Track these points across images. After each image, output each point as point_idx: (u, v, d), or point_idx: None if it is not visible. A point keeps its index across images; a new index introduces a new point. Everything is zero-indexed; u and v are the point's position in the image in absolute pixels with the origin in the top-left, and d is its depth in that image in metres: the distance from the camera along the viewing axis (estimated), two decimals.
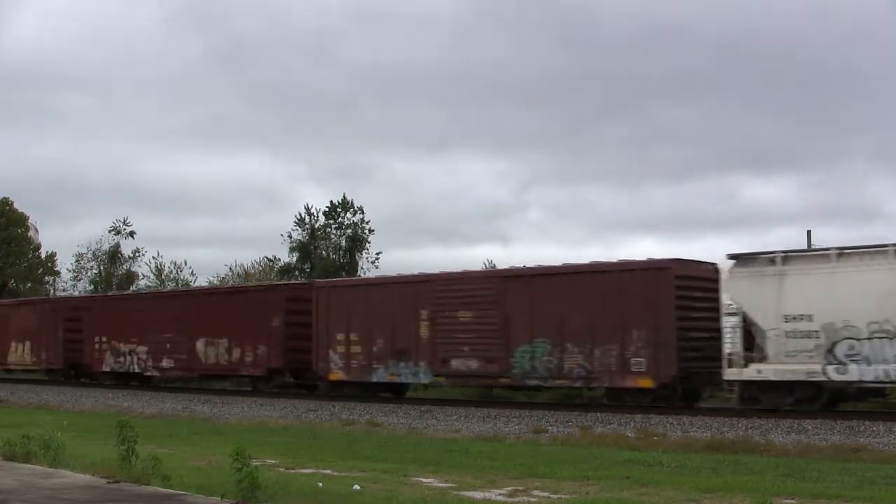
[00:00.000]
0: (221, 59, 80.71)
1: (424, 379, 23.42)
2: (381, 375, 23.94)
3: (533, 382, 21.39)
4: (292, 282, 28.51)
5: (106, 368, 31.75)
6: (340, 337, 24.67)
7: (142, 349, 30.41)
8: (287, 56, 79.83)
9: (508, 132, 75.93)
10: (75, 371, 33.88)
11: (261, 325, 26.64)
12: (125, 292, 40.37)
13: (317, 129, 79.32)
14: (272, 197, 73.60)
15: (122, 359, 30.98)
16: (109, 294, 39.80)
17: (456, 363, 22.44)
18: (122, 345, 31.12)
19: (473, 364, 22.17)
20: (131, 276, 50.15)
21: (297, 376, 26.83)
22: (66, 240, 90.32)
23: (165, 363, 29.69)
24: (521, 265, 23.88)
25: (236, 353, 27.40)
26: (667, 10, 66.07)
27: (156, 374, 30.59)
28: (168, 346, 29.43)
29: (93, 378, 32.81)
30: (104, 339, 31.67)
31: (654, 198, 67.26)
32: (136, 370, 30.67)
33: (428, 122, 76.91)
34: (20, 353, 35.60)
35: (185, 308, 29.72)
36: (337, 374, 24.79)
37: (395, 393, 24.97)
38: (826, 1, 63.97)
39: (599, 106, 73.42)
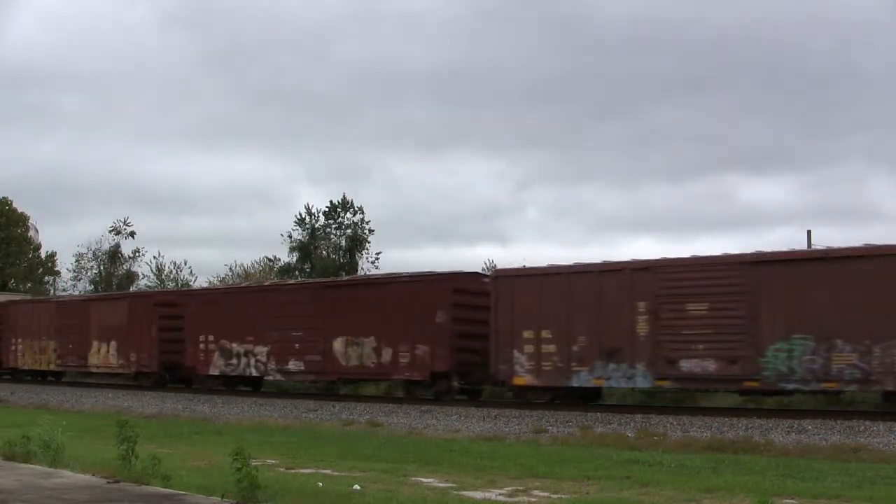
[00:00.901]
0: (217, 60, 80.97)
1: (643, 383, 20.07)
2: (583, 379, 20.58)
3: (791, 386, 18.29)
4: (458, 270, 24.32)
5: (214, 372, 27.66)
6: (528, 335, 21.20)
7: (261, 350, 26.32)
8: (283, 57, 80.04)
9: (505, 132, 76.14)
10: (172, 375, 30.07)
11: (420, 321, 22.80)
12: (239, 284, 33.79)
13: (313, 129, 79.54)
14: (269, 197, 73.78)
15: (234, 361, 26.92)
16: (218, 286, 35.44)
17: (687, 364, 19.25)
18: (234, 345, 27.02)
19: (710, 365, 19.03)
20: (131, 276, 50.14)
21: (466, 380, 23.29)
22: (63, 240, 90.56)
23: (293, 365, 25.53)
24: (778, 249, 20.07)
25: (387, 355, 23.44)
26: (664, 10, 66.12)
27: (279, 377, 26.71)
28: (297, 346, 25.37)
29: (195, 383, 29.17)
30: (210, 338, 27.63)
31: (653, 198, 67.40)
32: (254, 374, 26.80)
33: (424, 122, 77.13)
34: (104, 355, 31.26)
35: (318, 302, 25.29)
36: (524, 379, 21.37)
37: (588, 399, 21.90)
38: (823, 1, 64.07)
39: (597, 106, 73.63)
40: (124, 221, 50.06)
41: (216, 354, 27.58)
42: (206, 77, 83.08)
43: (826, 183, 65.24)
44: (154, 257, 49.72)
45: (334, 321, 24.55)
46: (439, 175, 74.59)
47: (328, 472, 12.37)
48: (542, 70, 71.98)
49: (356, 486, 10.58)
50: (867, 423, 16.46)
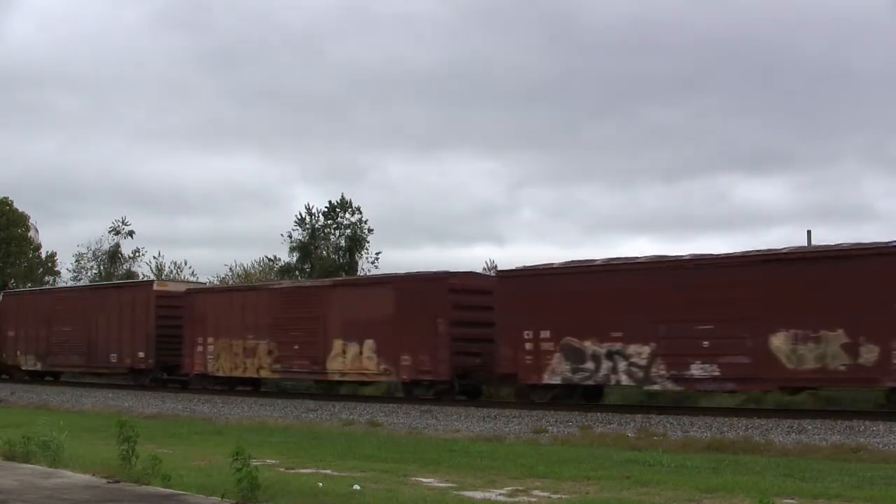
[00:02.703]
0: (212, 61, 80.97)
1: None
2: None
3: None
4: None
5: (552, 379, 20.72)
6: None
7: (638, 350, 19.69)
8: (276, 57, 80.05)
9: (500, 132, 76.10)
10: (471, 383, 23.59)
11: None
12: (574, 261, 22.39)
13: (308, 130, 79.66)
14: (265, 198, 73.79)
15: (588, 365, 20.17)
16: (539, 266, 22.60)
17: None
18: (588, 343, 20.20)
19: None
20: (131, 276, 50.12)
21: None
22: (61, 240, 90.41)
23: (699, 370, 18.94)
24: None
25: (870, 354, 17.02)
26: (658, 9, 66.11)
27: (671, 387, 19.79)
28: (705, 344, 18.77)
29: (517, 395, 22.38)
30: (545, 334, 20.77)
31: (647, 198, 67.41)
32: (624, 381, 20.07)
33: (419, 122, 77.14)
34: (353, 358, 24.22)
35: (749, 284, 18.45)
36: None
37: None
38: (818, 0, 64.09)
39: (592, 106, 73.58)
40: (123, 221, 50.13)
41: (556, 357, 20.53)
42: (201, 77, 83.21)
43: (822, 183, 65.31)
44: (154, 257, 49.79)
45: (772, 309, 18.04)
46: (435, 175, 74.67)
47: (328, 472, 12.37)
48: (537, 70, 72.04)
49: (356, 486, 10.58)
50: (867, 423, 16.45)
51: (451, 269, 23.96)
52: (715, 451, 14.74)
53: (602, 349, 19.96)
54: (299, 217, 44.15)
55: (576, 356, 20.27)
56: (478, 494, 10.35)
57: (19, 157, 76.61)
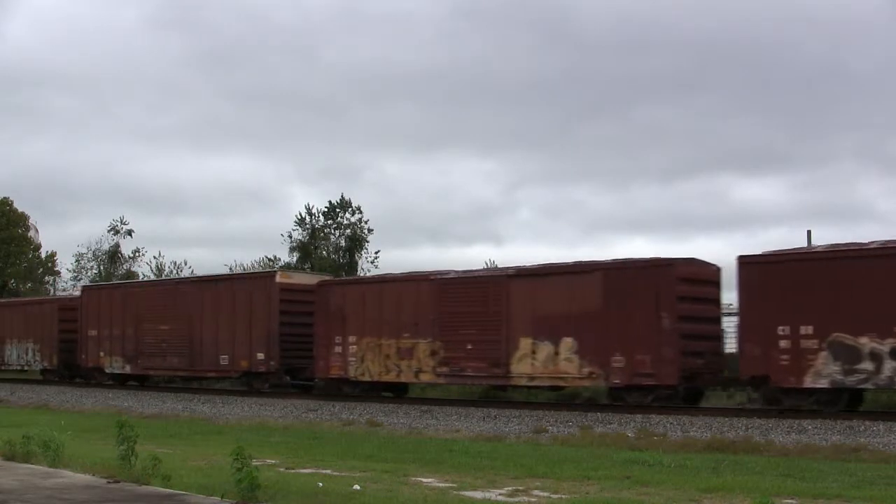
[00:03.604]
0: (206, 61, 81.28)
1: None
2: None
3: None
4: None
5: (817, 383, 17.66)
6: None
7: None
8: (271, 57, 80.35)
9: (496, 132, 76.24)
10: (695, 387, 20.20)
11: None
12: (845, 244, 18.91)
13: (304, 130, 79.85)
14: (262, 198, 73.95)
15: (865, 365, 17.05)
16: (796, 250, 19.50)
17: None
18: (864, 340, 17.05)
19: None
20: (131, 276, 50.15)
21: None
22: (59, 239, 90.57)
23: None
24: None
25: None
26: (653, 9, 66.21)
27: None
28: None
29: (770, 399, 18.82)
30: (806, 330, 17.60)
31: (644, 198, 67.52)
32: None
33: (414, 122, 77.29)
34: (546, 359, 20.56)
35: None
36: None
37: None
38: (814, 0, 64.15)
39: (587, 106, 73.78)
40: (121, 220, 50.18)
41: (822, 357, 17.51)
42: (197, 78, 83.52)
43: (819, 183, 65.44)
44: (154, 257, 49.81)
45: None
46: (431, 175, 74.78)
47: (328, 472, 12.37)
48: (532, 70, 72.18)
49: (356, 486, 10.58)
50: (867, 423, 16.46)
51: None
52: (715, 451, 14.75)
53: (884, 347, 16.96)
54: (299, 217, 44.25)
55: (849, 355, 17.24)
56: (478, 494, 10.35)
57: (17, 157, 76.79)
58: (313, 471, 12.43)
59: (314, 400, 24.67)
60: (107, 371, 30.72)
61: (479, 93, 76.10)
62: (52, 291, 52.20)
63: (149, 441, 12.97)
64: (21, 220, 53.44)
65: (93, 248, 50.36)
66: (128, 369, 30.15)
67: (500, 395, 23.51)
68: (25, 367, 34.96)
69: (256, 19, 79.83)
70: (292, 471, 12.38)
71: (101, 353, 30.78)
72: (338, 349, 24.16)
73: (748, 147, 66.74)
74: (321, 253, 43.60)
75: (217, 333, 26.94)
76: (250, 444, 11.49)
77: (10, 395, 30.63)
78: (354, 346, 23.80)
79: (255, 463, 9.67)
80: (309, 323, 25.09)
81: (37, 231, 55.02)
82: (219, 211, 76.57)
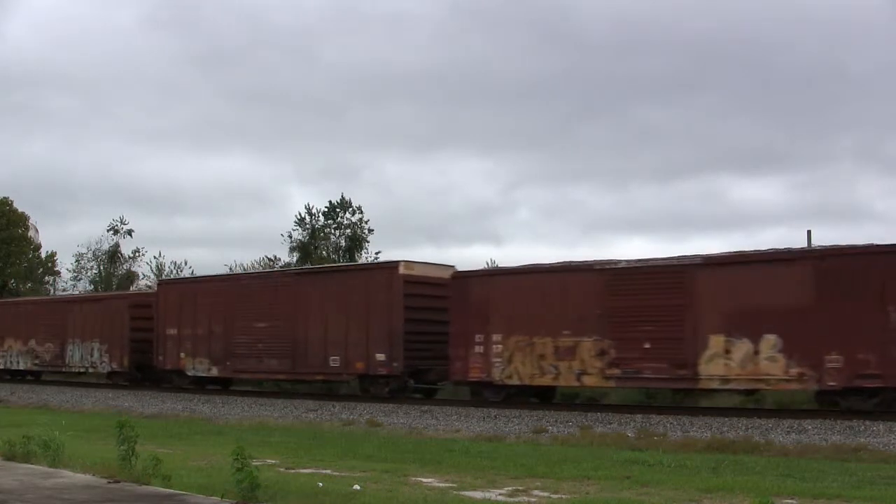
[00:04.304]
0: (204, 62, 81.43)
1: None
2: None
3: None
4: None
5: None
6: None
7: None
8: (269, 58, 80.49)
9: (494, 133, 76.38)
10: None
11: None
12: None
13: (302, 130, 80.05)
14: (261, 198, 74.06)
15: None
16: None
17: None
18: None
19: None
20: (131, 276, 50.20)
21: None
22: (58, 239, 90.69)
23: None
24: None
25: None
26: (652, 9, 66.28)
27: None
28: None
29: None
30: None
31: (643, 198, 67.60)
32: None
33: (413, 122, 77.41)
34: (743, 358, 18.22)
35: None
36: None
37: None
38: (810, 2, 64.20)
39: (585, 106, 73.91)
40: (121, 220, 50.22)
41: None
42: (195, 78, 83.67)
43: (817, 183, 65.58)
44: (155, 257, 49.84)
45: None
46: (430, 175, 74.87)
47: (328, 472, 12.37)
48: (531, 70, 72.32)
49: (356, 486, 10.58)
50: (867, 423, 16.45)
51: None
52: (715, 451, 14.75)
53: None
54: (299, 217, 44.29)
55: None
56: (478, 494, 10.35)
57: (16, 157, 76.89)
58: (313, 471, 12.43)
59: (314, 400, 24.65)
60: (188, 374, 28.06)
61: (478, 93, 76.32)
62: (52, 291, 52.23)
63: (149, 441, 12.97)
64: (21, 220, 53.47)
65: (93, 248, 50.43)
66: (214, 372, 27.47)
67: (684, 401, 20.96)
68: (90, 370, 32.17)
69: (255, 19, 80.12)
70: (292, 471, 12.38)
71: (182, 355, 28.07)
72: (479, 349, 21.46)
73: (747, 147, 66.91)
74: (321, 253, 43.62)
75: (326, 332, 24.18)
76: (250, 444, 11.49)
77: (10, 395, 30.62)
78: (500, 346, 21.15)
79: (255, 463, 9.67)
80: (435, 320, 22.62)
81: (37, 231, 55.09)
82: (218, 211, 76.79)
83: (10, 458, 12.74)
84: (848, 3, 62.71)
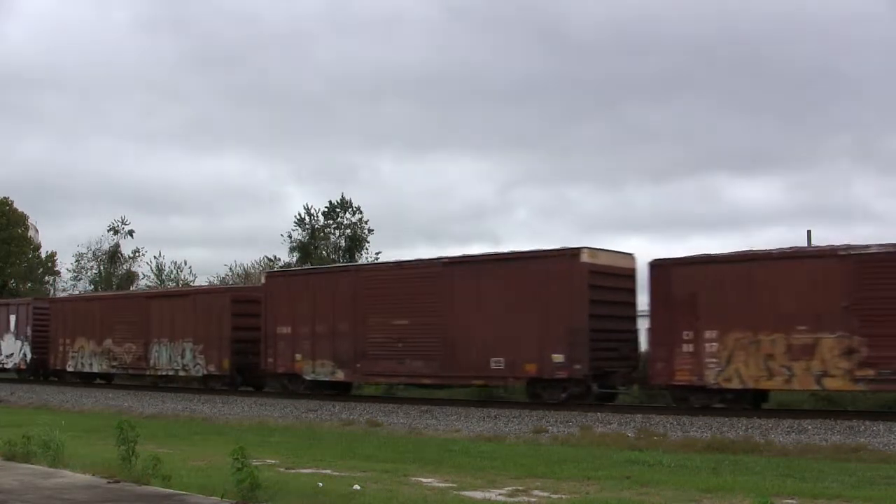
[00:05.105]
0: (200, 62, 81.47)
1: None
2: None
3: None
4: None
5: None
6: None
7: None
8: (264, 58, 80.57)
9: (490, 133, 76.52)
10: None
11: None
12: None
13: (298, 130, 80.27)
14: (257, 198, 74.18)
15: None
16: None
17: None
18: None
19: None
20: (131, 276, 50.18)
21: None
22: (56, 239, 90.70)
23: None
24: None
25: None
26: (646, 10, 66.35)
27: None
28: None
29: None
30: None
31: (639, 198, 67.69)
32: None
33: (408, 122, 77.53)
34: None
35: None
36: None
37: None
38: (804, 2, 64.26)
39: (580, 106, 74.13)
40: (122, 220, 50.25)
41: None
42: (190, 79, 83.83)
43: (813, 183, 65.65)
44: (154, 257, 49.82)
45: None
46: (427, 175, 74.92)
47: (328, 472, 12.37)
48: (525, 70, 72.49)
49: (356, 486, 10.58)
50: (867, 423, 16.46)
51: None
52: (715, 451, 14.75)
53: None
54: (299, 217, 44.29)
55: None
56: (478, 494, 10.35)
57: (13, 158, 76.96)
58: (313, 471, 12.43)
59: (314, 400, 24.59)
60: (307, 378, 24.93)
61: (473, 94, 76.51)
62: (52, 291, 52.22)
63: (149, 441, 12.97)
64: (21, 220, 53.47)
65: (93, 248, 50.45)
66: (340, 375, 24.30)
67: None
68: (180, 373, 28.79)
69: (249, 20, 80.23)
70: (292, 471, 12.38)
71: (298, 356, 24.92)
72: (687, 347, 18.95)
73: (742, 147, 67.00)
74: (321, 253, 43.62)
75: (486, 330, 21.22)
76: (250, 444, 11.49)
77: (9, 395, 30.62)
78: (715, 344, 18.59)
79: (255, 463, 9.68)
80: (619, 315, 20.64)
81: (37, 231, 55.09)
82: (215, 211, 76.87)
83: (10, 458, 12.75)
84: (843, 4, 62.81)
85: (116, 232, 50.03)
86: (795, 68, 66.33)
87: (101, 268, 50.34)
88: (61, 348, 32.87)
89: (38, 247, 54.95)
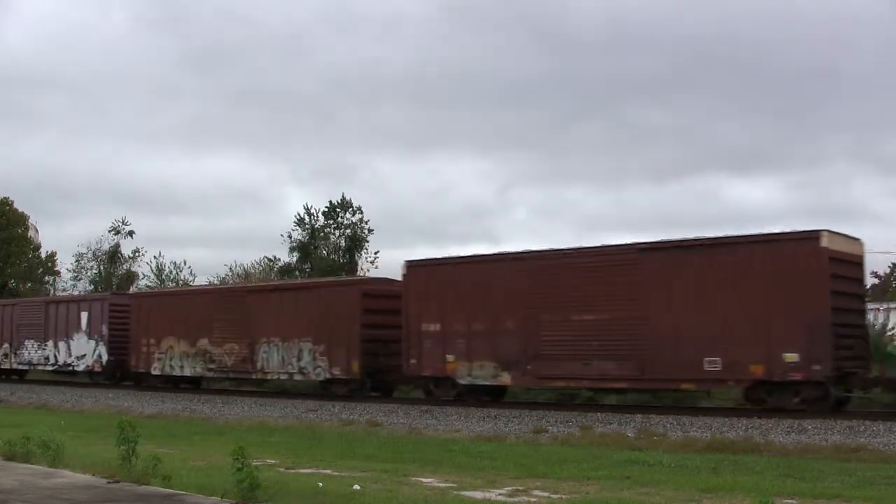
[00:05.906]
0: (197, 63, 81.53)
1: None
2: None
3: None
4: None
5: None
6: None
7: None
8: (262, 59, 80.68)
9: (489, 133, 76.53)
10: None
11: None
12: None
13: (297, 130, 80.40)
14: (256, 198, 74.23)
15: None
16: None
17: None
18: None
19: None
20: (131, 276, 50.20)
21: None
22: (55, 239, 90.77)
23: None
24: None
25: None
26: (645, 10, 66.36)
27: None
28: None
29: None
30: None
31: (638, 198, 67.71)
32: None
33: (407, 123, 77.57)
34: None
35: None
36: None
37: None
38: (803, 2, 64.26)
39: (579, 106, 74.07)
40: (123, 221, 50.29)
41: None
42: (187, 79, 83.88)
43: (812, 182, 65.69)
44: (154, 257, 49.84)
45: None
46: (426, 175, 74.99)
47: (328, 472, 12.37)
48: (524, 71, 72.58)
49: (356, 486, 10.58)
50: (867, 423, 16.44)
51: None
52: (715, 451, 14.74)
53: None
54: (298, 217, 44.31)
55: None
56: (478, 494, 10.35)
57: (12, 158, 77.03)
58: (313, 471, 12.43)
59: (314, 400, 24.60)
60: (461, 382, 22.17)
61: (472, 94, 76.65)
62: (52, 291, 52.24)
63: (149, 441, 12.96)
64: (21, 220, 53.51)
65: (93, 248, 50.48)
66: (505, 379, 21.58)
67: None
68: (295, 376, 25.98)
69: (249, 21, 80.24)
70: (292, 471, 12.38)
71: (450, 357, 22.19)
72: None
73: (742, 147, 66.95)
74: (321, 253, 43.64)
75: (698, 325, 18.58)
76: (250, 444, 11.48)
77: (9, 395, 30.61)
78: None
79: (254, 463, 9.67)
80: (856, 309, 18.69)
81: (37, 231, 55.15)
82: (215, 211, 77.00)
83: (10, 458, 12.74)
84: (842, 4, 62.82)
85: (118, 232, 50.12)
86: (795, 68, 66.45)
87: (101, 268, 50.38)
88: (144, 349, 29.64)
89: (38, 247, 55.00)
